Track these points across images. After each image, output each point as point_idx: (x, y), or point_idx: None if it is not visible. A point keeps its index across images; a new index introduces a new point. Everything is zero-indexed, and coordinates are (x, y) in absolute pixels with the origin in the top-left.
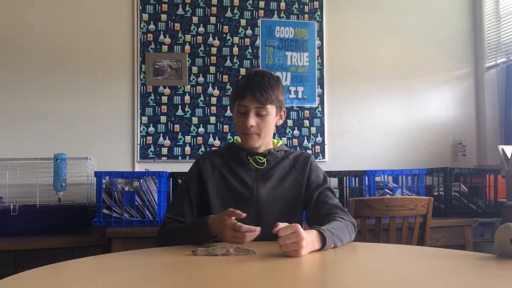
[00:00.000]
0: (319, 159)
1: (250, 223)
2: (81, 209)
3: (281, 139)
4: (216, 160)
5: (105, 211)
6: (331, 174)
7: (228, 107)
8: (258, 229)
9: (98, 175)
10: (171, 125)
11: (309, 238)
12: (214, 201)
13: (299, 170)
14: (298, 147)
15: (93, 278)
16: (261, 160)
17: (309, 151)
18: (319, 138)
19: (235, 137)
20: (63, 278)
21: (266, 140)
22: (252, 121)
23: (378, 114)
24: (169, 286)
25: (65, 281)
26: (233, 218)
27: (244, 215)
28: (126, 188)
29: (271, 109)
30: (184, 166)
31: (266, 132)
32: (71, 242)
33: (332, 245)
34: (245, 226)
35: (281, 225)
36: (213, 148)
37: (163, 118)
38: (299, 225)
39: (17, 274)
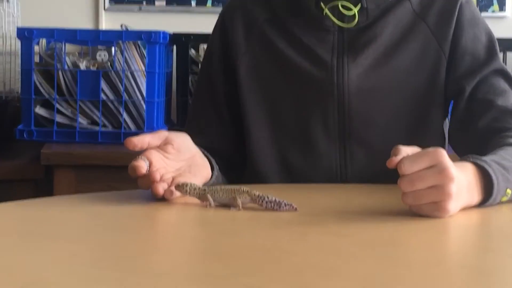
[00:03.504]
0: (490, 12)
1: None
2: None
3: None
4: (255, 12)
5: (39, 110)
6: None
7: None
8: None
9: (25, 35)
10: None
11: (462, 180)
12: (248, 94)
13: (434, 26)
14: None
15: (17, 242)
16: (349, 11)
17: None
18: None
19: None
20: None
21: None
22: None
23: None
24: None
25: None
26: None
27: (144, 143)
28: (83, 65)
29: None
30: (200, 21)
31: None
32: None
33: (510, 191)
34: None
35: (405, 150)
36: None
37: None
38: (442, 151)
39: None
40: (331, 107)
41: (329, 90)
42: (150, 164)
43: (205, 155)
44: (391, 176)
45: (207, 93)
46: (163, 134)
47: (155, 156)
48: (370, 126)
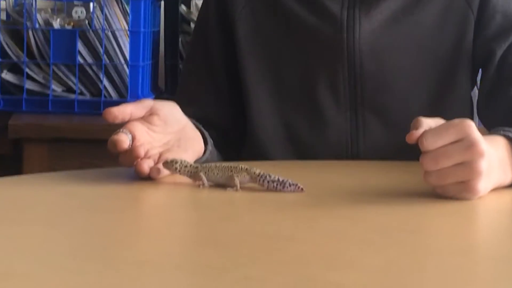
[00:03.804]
0: None
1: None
2: None
3: None
4: None
5: (6, 76)
6: None
7: None
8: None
9: None
10: None
11: (493, 156)
12: (247, 56)
13: None
14: None
15: None
16: None
17: None
18: None
19: None
20: None
21: None
22: None
23: None
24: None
25: None
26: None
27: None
28: (57, 24)
29: None
30: None
31: None
32: None
33: None
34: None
35: (427, 122)
36: None
37: None
38: (470, 122)
39: None
40: (341, 69)
41: (338, 49)
42: (133, 138)
43: (197, 127)
44: (411, 152)
45: (201, 56)
46: (148, 103)
47: (138, 128)
48: (385, 91)
